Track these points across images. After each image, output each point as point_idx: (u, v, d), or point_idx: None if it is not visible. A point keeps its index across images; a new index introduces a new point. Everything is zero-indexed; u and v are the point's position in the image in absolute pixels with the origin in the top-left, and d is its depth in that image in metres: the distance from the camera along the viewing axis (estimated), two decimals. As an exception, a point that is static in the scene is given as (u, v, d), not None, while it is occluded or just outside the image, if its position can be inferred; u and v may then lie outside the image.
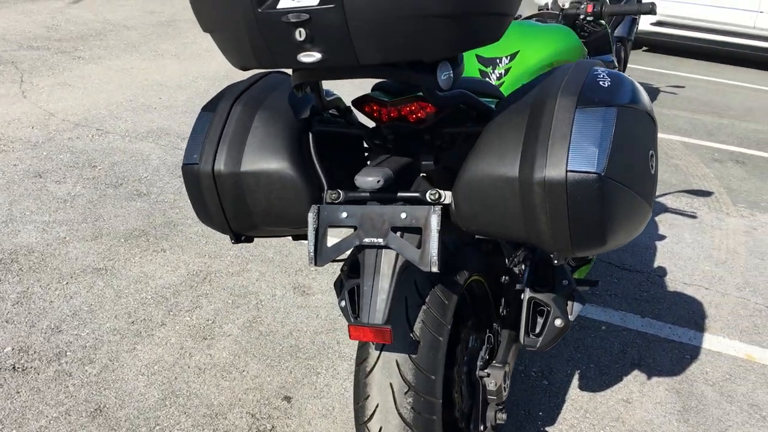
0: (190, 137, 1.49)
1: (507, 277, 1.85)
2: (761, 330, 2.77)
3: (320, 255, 1.40)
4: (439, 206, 1.33)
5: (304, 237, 1.66)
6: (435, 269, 1.31)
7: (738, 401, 2.32)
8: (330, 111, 1.60)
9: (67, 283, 2.63)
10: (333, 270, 2.89)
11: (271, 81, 1.57)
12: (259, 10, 1.13)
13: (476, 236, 1.71)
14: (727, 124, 5.96)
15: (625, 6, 2.62)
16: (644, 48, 9.13)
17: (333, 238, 3.00)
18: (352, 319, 1.65)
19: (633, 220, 1.30)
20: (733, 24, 8.29)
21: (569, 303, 1.72)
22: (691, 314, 2.84)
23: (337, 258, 1.43)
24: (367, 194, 1.43)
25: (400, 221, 1.35)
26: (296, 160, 1.43)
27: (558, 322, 1.69)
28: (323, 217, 1.40)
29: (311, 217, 1.39)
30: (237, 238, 1.55)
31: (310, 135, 1.49)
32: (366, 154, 1.70)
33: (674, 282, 3.10)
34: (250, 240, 1.58)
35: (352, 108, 1.57)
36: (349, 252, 1.43)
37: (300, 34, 1.13)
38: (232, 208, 1.47)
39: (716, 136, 5.50)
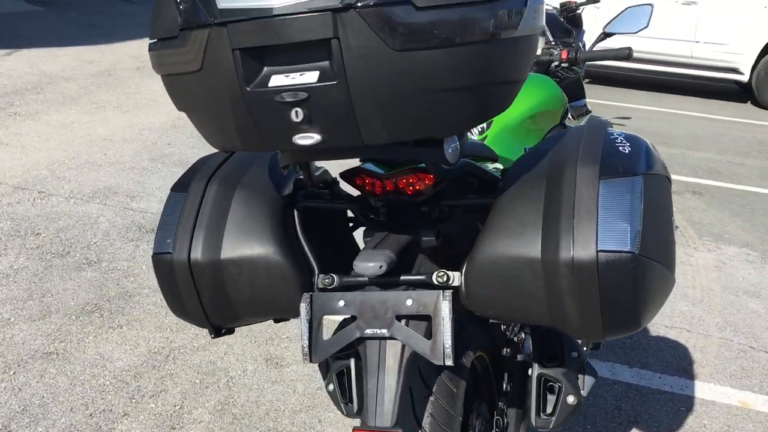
0: (160, 222, 1.33)
1: (508, 349, 1.72)
2: (750, 373, 2.70)
3: (316, 350, 1.25)
4: (449, 290, 1.19)
5: (286, 318, 1.51)
6: (449, 362, 1.17)
7: (742, 456, 2.23)
8: None
9: (14, 372, 2.37)
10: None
11: (246, 155, 1.42)
12: (248, 89, 0.99)
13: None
14: (678, 154, 6.03)
15: (602, 52, 2.56)
16: (587, 80, 9.27)
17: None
18: (344, 410, 1.49)
19: (663, 294, 1.19)
20: (672, 54, 8.50)
21: (580, 377, 1.59)
22: (678, 360, 2.76)
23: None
24: (366, 278, 1.28)
25: (405, 309, 1.21)
26: (282, 243, 1.28)
27: (571, 399, 1.55)
28: (317, 306, 1.25)
29: (304, 307, 1.24)
30: (217, 332, 1.39)
31: (296, 213, 1.35)
32: (351, 224, 1.56)
33: (656, 326, 3.02)
34: (231, 332, 1.42)
35: (339, 180, 1.43)
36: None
37: (297, 115, 0.99)
38: (211, 300, 1.31)
39: (670, 168, 5.53)
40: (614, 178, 1.13)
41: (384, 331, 1.21)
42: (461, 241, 1.37)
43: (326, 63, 0.96)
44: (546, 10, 4.78)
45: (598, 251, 1.08)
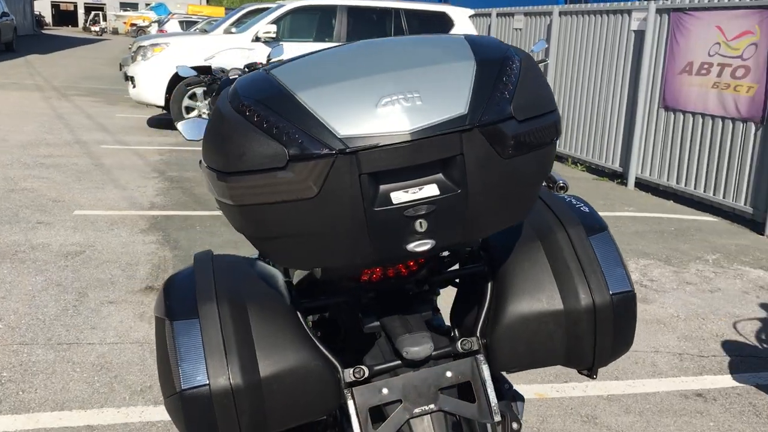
0: (177, 358, 1.20)
1: None
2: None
3: None
4: (481, 355, 1.32)
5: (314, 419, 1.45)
6: (498, 418, 1.30)
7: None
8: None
9: None
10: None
11: (223, 266, 1.36)
12: (375, 209, 1.02)
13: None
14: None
15: None
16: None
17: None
18: None
19: None
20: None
21: (513, 404, 1.81)
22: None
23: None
24: (398, 362, 1.34)
25: (446, 381, 1.31)
26: (313, 346, 1.28)
27: (515, 426, 1.76)
28: (362, 399, 1.28)
29: (352, 403, 1.26)
30: None
31: (299, 315, 1.34)
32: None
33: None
34: None
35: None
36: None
37: (420, 225, 1.05)
38: (251, 422, 1.24)
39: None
40: (596, 234, 1.37)
41: (431, 406, 1.29)
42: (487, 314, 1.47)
43: (440, 175, 1.04)
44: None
45: (611, 295, 1.31)
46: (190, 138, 3.96)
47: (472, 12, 9.88)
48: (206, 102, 9.12)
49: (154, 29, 30.59)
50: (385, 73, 1.05)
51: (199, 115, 9.10)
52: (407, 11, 9.43)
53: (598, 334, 1.32)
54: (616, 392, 3.01)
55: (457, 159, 1.02)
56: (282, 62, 1.18)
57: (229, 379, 1.18)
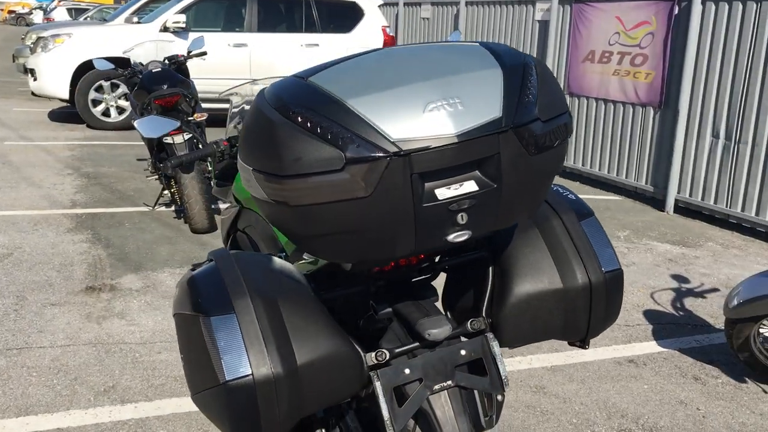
0: (219, 351, 1.28)
1: None
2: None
3: (397, 419, 1.40)
4: (490, 333, 1.47)
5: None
6: (507, 389, 1.46)
7: (516, 407, 2.86)
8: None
9: None
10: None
11: (246, 263, 1.44)
12: (424, 205, 1.14)
13: None
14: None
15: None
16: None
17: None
18: None
19: None
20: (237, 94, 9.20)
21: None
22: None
23: None
24: (415, 344, 1.47)
25: (462, 358, 1.44)
26: (341, 333, 1.38)
27: (499, 398, 1.93)
28: (387, 380, 1.39)
29: (379, 384, 1.38)
30: None
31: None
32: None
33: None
34: None
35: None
36: None
37: (462, 218, 1.18)
38: (288, 409, 1.33)
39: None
40: (586, 218, 1.55)
41: (449, 382, 1.43)
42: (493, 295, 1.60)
43: (476, 173, 1.18)
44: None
45: (604, 273, 1.49)
46: (149, 135, 3.92)
47: (381, 2, 10.02)
48: (114, 95, 8.88)
49: (38, 17, 29.02)
50: (428, 81, 1.17)
51: (107, 108, 8.82)
52: (317, 1, 9.47)
53: (593, 309, 1.49)
54: (557, 363, 3.25)
55: (494, 158, 1.16)
56: (315, 69, 1.26)
57: (271, 368, 1.26)
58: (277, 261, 1.48)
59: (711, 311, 3.92)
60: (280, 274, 1.41)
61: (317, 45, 9.38)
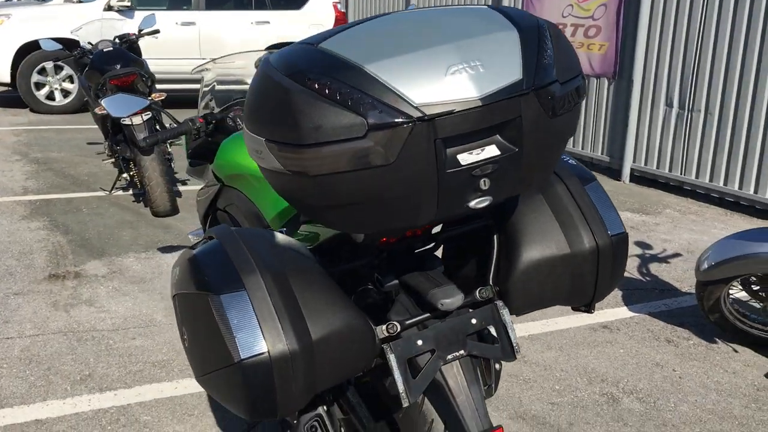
0: (231, 330, 1.24)
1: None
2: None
3: (412, 391, 1.39)
4: (500, 301, 1.47)
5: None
6: (518, 356, 1.46)
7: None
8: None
9: None
10: None
11: (251, 239, 1.40)
12: (448, 171, 1.12)
13: None
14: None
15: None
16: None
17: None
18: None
19: None
20: (186, 72, 8.99)
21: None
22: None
23: None
24: (426, 315, 1.45)
25: (472, 327, 1.44)
26: (353, 306, 1.36)
27: (497, 366, 1.94)
28: (400, 352, 1.38)
29: (393, 357, 1.36)
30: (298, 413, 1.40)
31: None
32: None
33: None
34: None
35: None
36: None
37: (484, 184, 1.16)
38: (303, 384, 1.31)
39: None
40: (589, 183, 1.55)
41: (462, 351, 1.42)
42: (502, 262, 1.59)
43: (497, 137, 1.16)
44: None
45: (610, 236, 1.49)
46: (117, 115, 3.80)
47: (330, -24, 9.87)
48: (59, 77, 8.57)
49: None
50: (447, 44, 1.14)
51: (52, 91, 8.52)
52: (266, -23, 9.28)
53: (599, 273, 1.50)
54: (534, 332, 3.29)
55: (515, 121, 1.14)
56: (323, 35, 1.22)
57: (286, 345, 1.23)
58: (280, 236, 1.44)
59: (676, 275, 4.02)
60: (286, 249, 1.38)
61: (268, 22, 9.22)
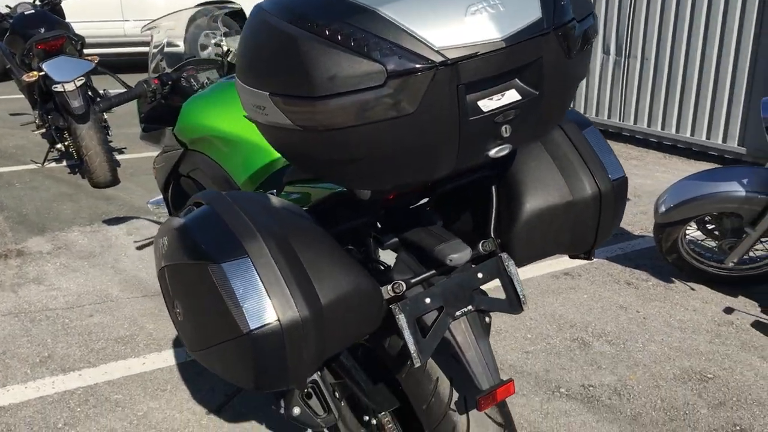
0: (237, 299, 1.16)
1: None
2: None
3: (423, 351, 1.35)
4: (505, 253, 1.44)
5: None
6: (526, 308, 1.44)
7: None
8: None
9: None
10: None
11: (246, 203, 1.32)
12: (471, 118, 1.06)
13: None
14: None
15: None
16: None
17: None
18: (321, 423, 1.55)
19: None
20: (110, 35, 8.60)
21: None
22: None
23: None
24: (431, 272, 1.41)
25: (478, 282, 1.41)
26: (356, 268, 1.30)
27: (487, 320, 1.91)
28: (408, 311, 1.34)
29: (403, 317, 1.32)
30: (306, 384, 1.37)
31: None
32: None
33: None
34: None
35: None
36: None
37: (506, 131, 1.11)
38: (314, 351, 1.25)
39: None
40: (586, 128, 1.52)
41: (470, 307, 1.39)
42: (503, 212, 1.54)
43: (516, 80, 1.11)
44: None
45: (612, 181, 1.47)
46: (61, 79, 3.57)
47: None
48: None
49: None
50: None
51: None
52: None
53: (601, 219, 1.48)
54: (498, 283, 3.30)
55: (536, 63, 1.09)
56: None
57: (297, 312, 1.16)
58: (275, 198, 1.37)
59: (627, 219, 4.10)
60: (284, 211, 1.31)
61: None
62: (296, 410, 1.54)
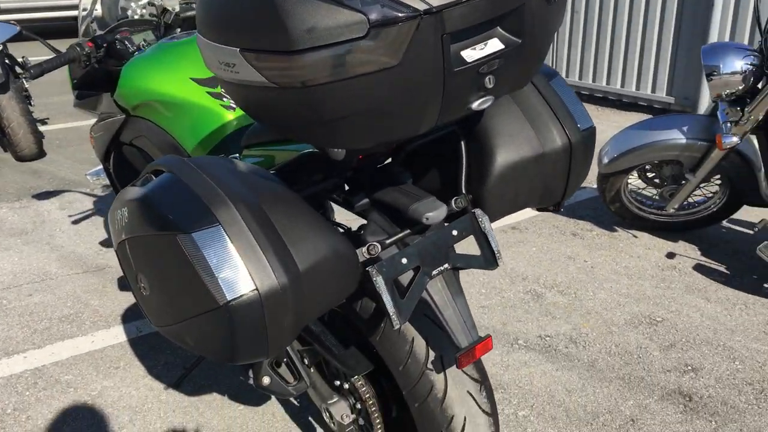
0: (211, 270, 1.11)
1: None
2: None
3: (402, 312, 1.33)
4: (478, 209, 1.42)
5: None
6: (501, 263, 1.43)
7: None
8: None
9: None
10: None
11: (212, 168, 1.25)
12: (455, 69, 1.02)
13: None
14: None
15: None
16: None
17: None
18: (291, 391, 1.53)
19: None
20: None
21: None
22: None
23: None
24: (406, 232, 1.39)
25: (453, 239, 1.39)
26: (332, 230, 1.26)
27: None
28: (386, 273, 1.31)
29: (380, 279, 1.29)
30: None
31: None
32: None
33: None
34: None
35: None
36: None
37: (490, 81, 1.08)
38: (294, 318, 1.21)
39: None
40: (553, 78, 1.51)
41: (447, 265, 1.37)
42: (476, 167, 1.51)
43: (498, 29, 1.07)
44: None
45: (581, 131, 1.47)
46: None
47: None
48: None
49: None
50: None
51: None
52: None
53: (572, 170, 1.48)
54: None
55: (518, 10, 1.06)
56: None
57: (276, 279, 1.12)
58: (240, 163, 1.31)
59: (567, 172, 4.16)
60: (251, 175, 1.25)
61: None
62: (266, 380, 1.50)
